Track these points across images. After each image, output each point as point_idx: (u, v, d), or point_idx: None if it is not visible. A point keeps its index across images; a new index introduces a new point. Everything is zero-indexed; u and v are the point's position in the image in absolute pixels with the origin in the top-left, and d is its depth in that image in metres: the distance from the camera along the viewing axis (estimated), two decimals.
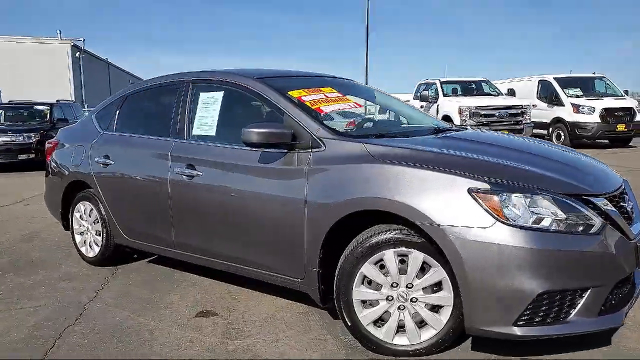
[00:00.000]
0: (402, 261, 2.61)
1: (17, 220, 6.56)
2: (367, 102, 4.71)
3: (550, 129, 15.71)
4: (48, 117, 13.79)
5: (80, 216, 4.59)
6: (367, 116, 3.36)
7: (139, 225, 4.02)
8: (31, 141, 12.50)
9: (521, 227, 2.35)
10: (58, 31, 29.82)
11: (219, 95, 3.60)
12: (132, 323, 3.29)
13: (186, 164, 3.56)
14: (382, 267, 2.65)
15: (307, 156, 2.95)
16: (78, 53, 29.84)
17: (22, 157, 12.38)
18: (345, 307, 2.73)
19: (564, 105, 15.29)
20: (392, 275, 2.62)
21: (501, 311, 2.38)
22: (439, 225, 2.43)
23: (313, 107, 3.21)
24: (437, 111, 15.35)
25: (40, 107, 14.27)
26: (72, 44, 29.44)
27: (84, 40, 30.13)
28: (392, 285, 2.64)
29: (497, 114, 14.20)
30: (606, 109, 14.62)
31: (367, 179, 2.65)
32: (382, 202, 2.56)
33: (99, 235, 4.42)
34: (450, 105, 14.87)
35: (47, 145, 5.03)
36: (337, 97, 3.49)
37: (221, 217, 3.34)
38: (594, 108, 14.66)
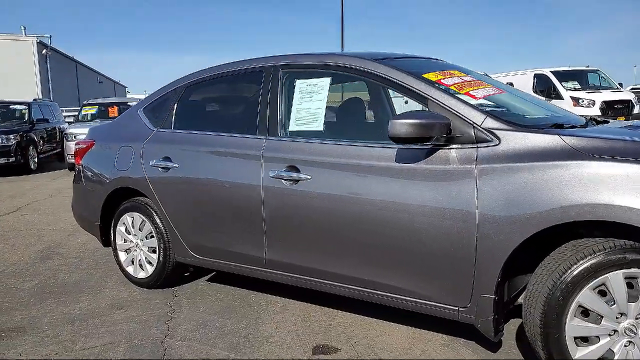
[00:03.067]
0: (629, 285, 2.05)
1: (21, 234, 5.73)
2: None
3: None
4: (27, 117, 12.70)
5: (126, 230, 3.87)
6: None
7: (213, 240, 3.35)
8: (10, 143, 11.46)
9: None
10: (22, 27, 28.23)
11: (324, 82, 2.97)
12: None
13: (286, 166, 2.92)
14: (602, 293, 2.09)
15: (471, 153, 2.36)
16: (45, 50, 28.28)
17: (1, 161, 11.33)
18: (554, 345, 2.15)
19: (562, 99, 15.12)
20: (619, 303, 2.06)
21: None
22: None
23: (462, 92, 2.63)
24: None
25: (17, 107, 13.15)
26: (38, 40, 27.87)
27: (50, 37, 28.60)
28: (617, 317, 2.08)
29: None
30: (606, 102, 14.52)
31: (579, 181, 2.08)
32: (608, 210, 2.00)
33: (154, 252, 3.72)
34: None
35: (76, 147, 4.27)
36: (473, 80, 2.92)
37: (342, 231, 2.72)
38: (594, 101, 14.54)
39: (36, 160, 12.32)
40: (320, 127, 2.91)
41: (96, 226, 4.03)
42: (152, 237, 3.70)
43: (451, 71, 2.95)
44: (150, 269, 3.75)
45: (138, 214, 3.74)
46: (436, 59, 3.49)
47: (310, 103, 2.97)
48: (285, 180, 2.91)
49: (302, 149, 2.90)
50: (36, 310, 3.48)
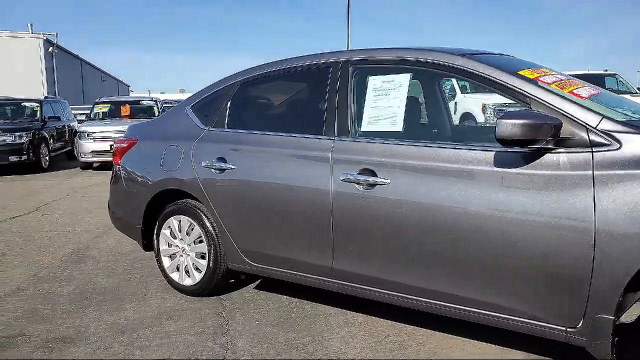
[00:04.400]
0: None
1: (46, 235, 5.51)
2: None
3: None
4: (39, 114, 12.47)
5: (172, 234, 3.65)
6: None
7: (272, 247, 3.13)
8: (23, 141, 11.22)
9: None
10: (29, 25, 28.01)
11: (402, 79, 2.75)
12: None
13: (360, 169, 2.71)
14: None
15: (585, 158, 2.14)
16: (51, 48, 28.06)
17: (14, 159, 11.09)
18: None
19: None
20: None
21: None
22: None
23: (566, 91, 2.41)
24: None
25: (29, 104, 12.94)
26: (45, 38, 27.63)
27: (57, 34, 28.32)
28: None
29: None
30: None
31: None
32: None
33: (202, 258, 3.50)
34: None
35: (116, 145, 4.04)
36: (569, 79, 2.71)
37: (428, 241, 2.50)
38: None
39: (47, 158, 12.09)
40: (399, 128, 2.69)
41: (137, 229, 3.81)
42: (202, 242, 3.48)
43: (542, 69, 2.74)
44: (197, 276, 3.54)
45: (186, 217, 3.53)
46: (512, 56, 3.27)
47: (386, 101, 2.76)
48: (358, 184, 2.70)
49: (379, 150, 2.69)
50: (80, 319, 3.26)
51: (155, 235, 3.75)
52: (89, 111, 16.26)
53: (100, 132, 11.54)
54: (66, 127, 13.80)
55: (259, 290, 3.71)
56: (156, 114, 13.31)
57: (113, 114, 13.15)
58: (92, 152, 11.47)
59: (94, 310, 3.40)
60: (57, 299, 3.63)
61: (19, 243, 5.18)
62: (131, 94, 47.75)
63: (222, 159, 3.29)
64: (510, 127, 2.13)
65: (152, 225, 3.79)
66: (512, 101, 2.50)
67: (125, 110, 13.28)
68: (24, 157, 11.20)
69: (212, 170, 3.32)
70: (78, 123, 14.81)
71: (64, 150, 13.50)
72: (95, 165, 12.00)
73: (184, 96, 35.51)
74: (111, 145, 11.43)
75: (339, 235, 2.80)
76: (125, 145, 3.93)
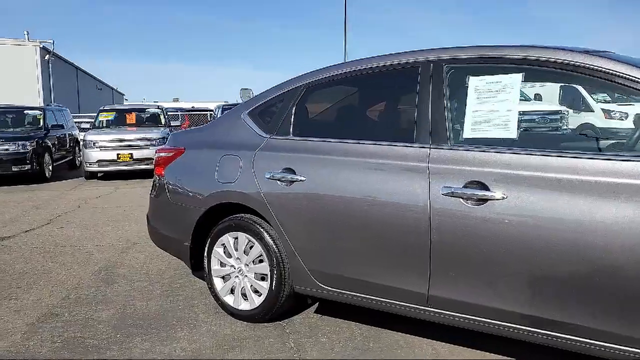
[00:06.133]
0: None
1: (66, 251, 5.11)
2: None
3: None
4: (42, 122, 12.04)
5: (225, 252, 3.30)
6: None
7: (352, 270, 2.78)
8: (26, 150, 10.79)
9: None
10: (25, 32, 27.52)
11: (512, 79, 2.43)
12: None
13: (467, 181, 2.38)
14: None
15: None
16: (47, 56, 27.60)
17: (17, 168, 10.65)
18: None
19: (593, 111, 14.74)
20: None
21: None
22: None
23: None
24: None
25: (32, 112, 12.51)
26: (41, 45, 27.18)
27: (53, 42, 27.85)
28: None
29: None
30: (639, 115, 14.14)
31: None
32: None
33: (263, 279, 3.15)
34: None
35: (158, 154, 3.69)
36: None
37: (559, 268, 2.16)
38: (627, 114, 14.16)
39: (51, 168, 11.66)
40: (513, 134, 2.36)
41: (185, 247, 3.45)
42: (262, 261, 3.13)
43: None
44: (257, 300, 3.18)
45: (244, 234, 3.17)
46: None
47: (493, 105, 2.43)
48: (465, 199, 2.36)
49: (492, 160, 2.36)
50: (129, 350, 2.89)
51: (205, 254, 3.39)
52: (89, 119, 15.92)
53: (107, 140, 11.15)
54: (67, 136, 13.37)
55: (321, 316, 3.36)
56: (163, 122, 12.95)
57: (118, 122, 12.75)
58: (98, 161, 11.07)
59: (143, 340, 3.03)
60: (97, 325, 3.25)
61: (40, 260, 4.79)
62: (125, 103, 47.25)
63: (289, 170, 2.95)
64: None
65: (200, 243, 3.43)
66: None
67: (131, 118, 12.90)
68: (28, 167, 10.75)
69: (278, 182, 2.97)
70: (80, 131, 14.43)
71: (65, 160, 13.06)
72: (99, 174, 11.59)
73: (178, 105, 35.12)
74: (118, 155, 11.07)
75: (439, 257, 2.46)
76: (170, 154, 3.58)
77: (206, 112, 21.01)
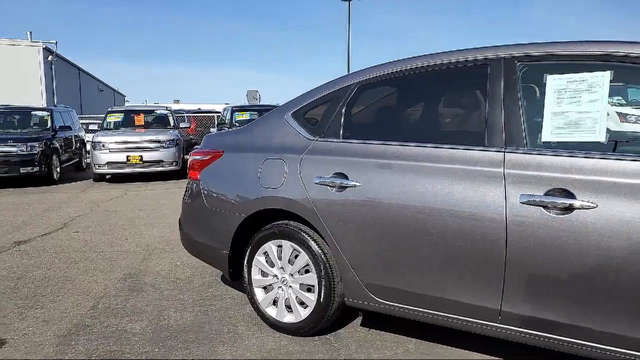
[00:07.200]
0: None
1: (86, 257, 4.92)
2: None
3: None
4: (49, 124, 11.85)
5: (267, 261, 3.11)
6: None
7: (412, 283, 2.59)
8: (35, 152, 10.58)
9: None
10: (28, 32, 27.32)
11: (599, 78, 2.25)
12: None
13: (549, 189, 2.19)
14: None
15: None
16: (50, 57, 27.41)
17: (25, 170, 10.44)
18: None
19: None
20: None
21: None
22: None
23: None
24: None
25: (39, 113, 12.32)
26: (44, 46, 27.00)
27: (56, 43, 27.68)
28: None
29: None
30: None
31: None
32: None
33: (309, 291, 2.96)
34: None
35: (193, 158, 3.50)
36: None
37: None
38: None
39: (59, 170, 11.47)
40: (601, 138, 2.19)
41: (223, 256, 3.26)
42: (308, 272, 2.94)
43: None
44: (302, 312, 2.99)
45: (289, 242, 2.99)
46: None
47: (577, 106, 2.25)
48: (547, 208, 2.18)
49: (578, 166, 2.17)
50: None
51: (245, 263, 3.20)
52: (96, 121, 15.73)
53: (117, 142, 10.95)
54: (74, 137, 13.17)
55: (368, 329, 3.17)
56: (172, 124, 12.76)
57: (126, 123, 12.55)
58: (108, 163, 10.87)
59: (184, 355, 2.84)
60: (132, 338, 3.06)
61: (61, 267, 4.59)
62: (126, 104, 47.08)
63: (341, 175, 2.76)
64: None
65: (239, 251, 3.25)
66: None
67: (140, 119, 12.70)
68: (36, 169, 10.55)
69: (328, 188, 2.79)
70: (86, 132, 14.23)
71: (73, 162, 12.86)
72: (107, 177, 11.39)
73: (179, 107, 34.87)
74: (128, 157, 10.87)
75: (515, 271, 2.28)
76: (207, 157, 3.39)
77: (212, 114, 20.78)
